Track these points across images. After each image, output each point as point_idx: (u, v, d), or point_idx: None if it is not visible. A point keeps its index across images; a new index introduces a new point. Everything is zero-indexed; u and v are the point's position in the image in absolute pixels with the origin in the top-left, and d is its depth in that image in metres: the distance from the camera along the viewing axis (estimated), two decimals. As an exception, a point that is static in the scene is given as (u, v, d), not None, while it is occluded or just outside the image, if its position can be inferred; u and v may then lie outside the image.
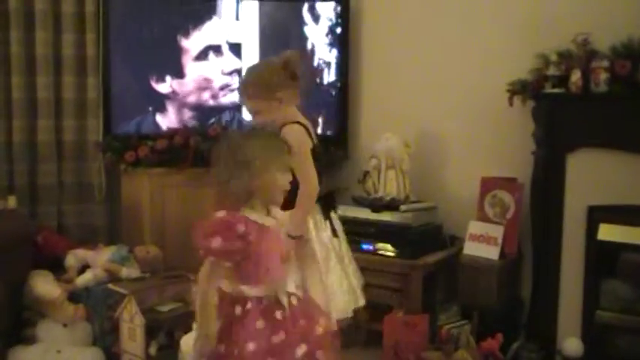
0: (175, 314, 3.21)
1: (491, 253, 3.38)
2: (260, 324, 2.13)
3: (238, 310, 2.14)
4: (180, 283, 3.36)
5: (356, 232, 3.56)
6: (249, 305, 2.14)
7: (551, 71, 3.21)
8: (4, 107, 3.93)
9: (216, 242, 2.09)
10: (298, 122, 2.74)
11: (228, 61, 4.02)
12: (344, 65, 4.03)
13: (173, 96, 4.01)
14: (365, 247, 3.54)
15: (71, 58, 4.02)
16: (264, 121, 2.73)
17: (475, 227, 3.47)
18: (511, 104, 3.34)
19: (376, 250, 3.53)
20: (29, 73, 3.95)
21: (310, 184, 2.61)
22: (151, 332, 3.10)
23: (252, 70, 2.92)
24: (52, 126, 4.01)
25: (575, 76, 3.13)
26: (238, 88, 2.99)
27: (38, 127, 3.99)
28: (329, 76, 4.04)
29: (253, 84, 2.78)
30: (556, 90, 3.19)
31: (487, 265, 3.35)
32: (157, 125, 4.02)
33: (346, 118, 4.07)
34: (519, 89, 3.31)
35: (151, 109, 4.01)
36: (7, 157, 3.94)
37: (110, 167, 4.08)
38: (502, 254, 3.38)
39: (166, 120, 4.03)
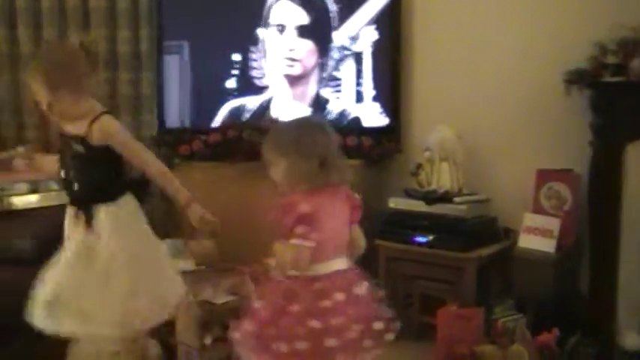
0: (229, 307, 3.24)
1: (548, 245, 3.32)
2: None
3: None
4: (234, 277, 3.39)
5: (409, 225, 3.56)
6: None
7: (610, 59, 3.13)
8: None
9: None
10: (106, 112, 2.59)
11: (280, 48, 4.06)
12: (396, 56, 4.00)
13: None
14: (417, 239, 3.51)
15: (126, 55, 4.09)
16: (60, 113, 2.53)
17: (530, 220, 3.41)
18: (568, 94, 3.27)
19: (429, 242, 3.50)
20: (86, 69, 4.03)
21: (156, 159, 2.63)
22: (205, 324, 3.13)
23: (48, 53, 2.63)
24: (109, 122, 4.09)
25: (635, 64, 3.05)
26: (31, 74, 2.51)
27: (95, 122, 4.07)
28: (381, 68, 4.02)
29: (53, 70, 2.47)
30: (615, 78, 3.12)
31: (543, 258, 3.30)
32: (210, 119, 4.07)
33: (398, 110, 4.04)
34: (576, 78, 3.24)
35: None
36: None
37: (164, 161, 4.13)
38: (558, 247, 3.32)
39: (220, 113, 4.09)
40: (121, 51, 4.08)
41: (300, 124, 2.30)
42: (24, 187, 3.38)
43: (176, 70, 4.08)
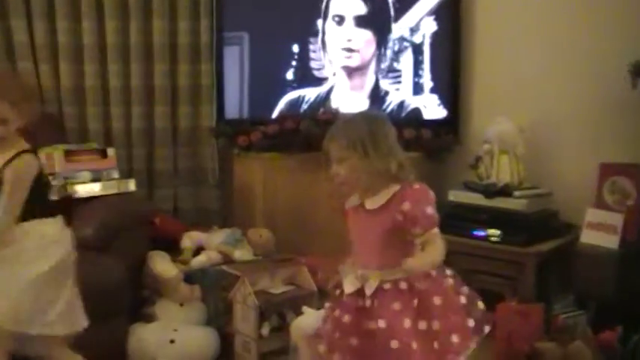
0: (287, 297, 3.26)
1: (610, 241, 3.25)
2: None
3: None
4: (291, 267, 3.41)
5: (467, 218, 3.52)
6: None
7: (679, 50, 3.05)
8: (124, 94, 4.08)
9: None
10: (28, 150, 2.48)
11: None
12: (455, 48, 3.95)
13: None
14: (476, 233, 3.47)
15: (186, 46, 4.13)
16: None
17: (593, 215, 3.34)
18: (634, 86, 3.19)
19: (488, 236, 3.45)
20: (147, 61, 4.09)
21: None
22: (263, 314, 3.15)
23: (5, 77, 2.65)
24: (168, 112, 4.15)
25: None
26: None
27: (155, 113, 4.13)
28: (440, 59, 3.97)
29: (11, 82, 2.50)
30: (684, 71, 3.03)
31: (605, 254, 3.22)
32: (269, 110, 4.09)
33: (457, 101, 3.99)
34: (643, 70, 3.16)
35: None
36: (126, 142, 4.10)
37: (223, 152, 4.18)
38: (622, 243, 3.24)
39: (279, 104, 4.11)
40: (180, 42, 4.12)
41: (369, 119, 2.24)
42: (87, 175, 3.47)
43: (235, 61, 4.11)
